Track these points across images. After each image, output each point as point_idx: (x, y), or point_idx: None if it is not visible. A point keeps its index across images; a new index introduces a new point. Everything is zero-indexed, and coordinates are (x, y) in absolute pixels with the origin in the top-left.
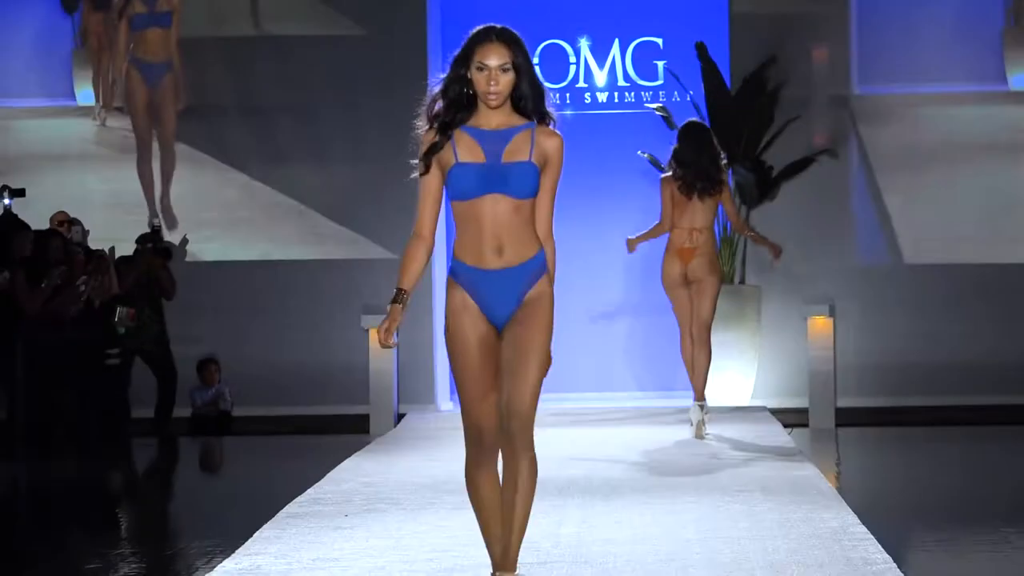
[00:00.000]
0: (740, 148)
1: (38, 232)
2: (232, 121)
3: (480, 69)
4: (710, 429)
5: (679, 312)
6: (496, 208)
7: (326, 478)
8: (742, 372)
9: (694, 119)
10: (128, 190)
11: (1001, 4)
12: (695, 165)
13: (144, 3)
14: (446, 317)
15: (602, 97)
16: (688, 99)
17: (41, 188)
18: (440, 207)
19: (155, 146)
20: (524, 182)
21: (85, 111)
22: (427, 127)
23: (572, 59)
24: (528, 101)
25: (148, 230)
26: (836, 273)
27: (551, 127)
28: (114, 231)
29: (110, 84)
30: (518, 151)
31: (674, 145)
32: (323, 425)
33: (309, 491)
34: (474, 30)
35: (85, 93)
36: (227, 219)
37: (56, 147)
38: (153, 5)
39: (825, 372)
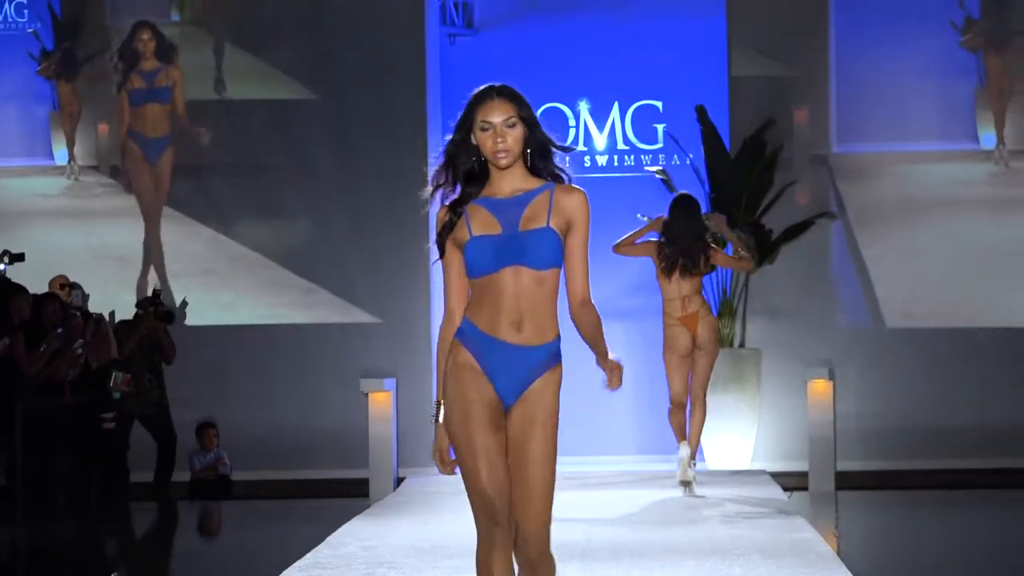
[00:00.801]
0: (740, 211)
1: (35, 296)
2: (223, 183)
3: (484, 129)
4: (708, 491)
5: (676, 381)
6: (517, 281)
7: (325, 542)
8: (742, 435)
9: (684, 192)
10: (105, 244)
11: (973, 66)
12: (680, 242)
13: (143, 78)
14: (446, 379)
15: (602, 160)
16: (688, 162)
17: (16, 245)
18: (465, 278)
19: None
20: (543, 251)
21: (63, 171)
22: (440, 205)
23: (572, 122)
24: (538, 157)
25: (149, 294)
26: (836, 336)
27: (569, 183)
28: (92, 285)
29: (113, 155)
30: (536, 217)
31: (665, 217)
32: (322, 489)
33: (308, 555)
34: (473, 92)
35: (62, 153)
36: (222, 282)
37: (34, 205)
38: (152, 80)
39: (825, 435)
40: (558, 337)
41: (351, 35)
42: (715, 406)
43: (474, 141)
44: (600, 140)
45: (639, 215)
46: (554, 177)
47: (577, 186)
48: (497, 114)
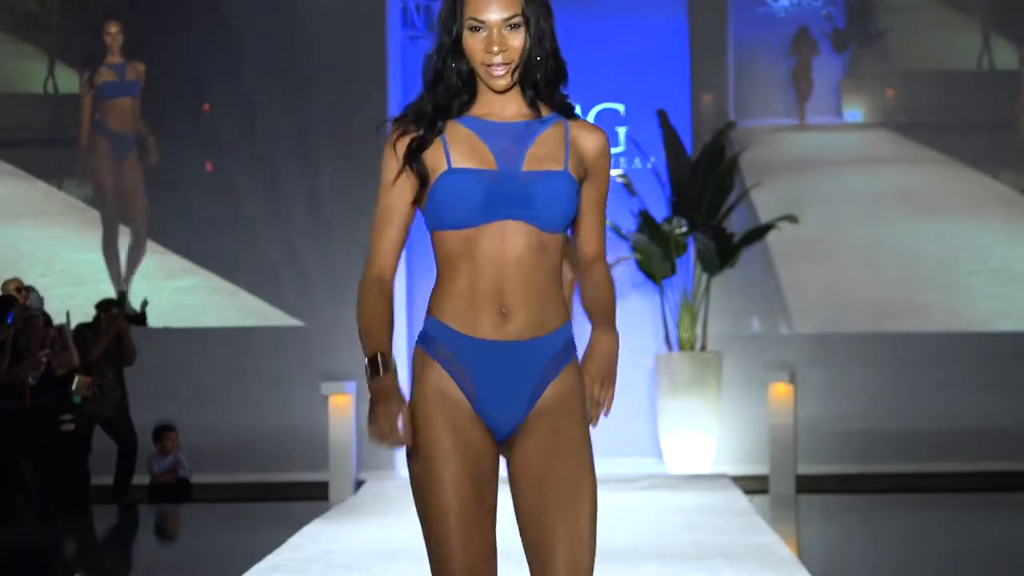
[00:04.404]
0: (701, 215)
1: None
2: (179, 186)
3: (475, 29)
4: (669, 495)
5: None
6: (507, 244)
7: (285, 545)
8: (703, 439)
9: None
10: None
11: (838, 60)
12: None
13: (113, 71)
14: (412, 412)
15: None
16: (649, 166)
17: None
18: (405, 238)
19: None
20: (556, 204)
21: None
22: (402, 120)
23: None
24: (540, 76)
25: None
26: (797, 339)
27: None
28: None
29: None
30: (548, 156)
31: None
32: (282, 492)
33: (268, 558)
34: None
35: None
36: (180, 284)
37: None
38: (123, 74)
39: (786, 439)
40: (569, 324)
41: (312, 38)
42: (676, 409)
43: (461, 42)
44: None
45: None
46: (563, 109)
47: (596, 125)
48: (495, 8)
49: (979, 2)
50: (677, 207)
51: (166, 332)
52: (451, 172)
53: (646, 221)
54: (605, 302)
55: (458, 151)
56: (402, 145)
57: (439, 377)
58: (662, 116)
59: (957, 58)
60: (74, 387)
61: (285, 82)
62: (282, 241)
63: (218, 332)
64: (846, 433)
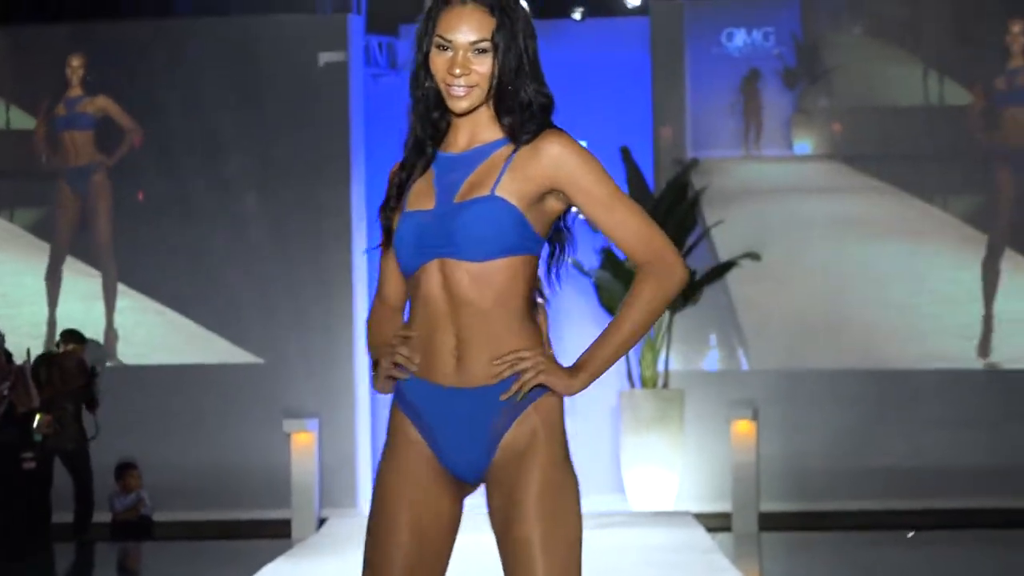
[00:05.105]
0: None
1: None
2: (137, 219)
3: (442, 48)
4: (631, 533)
5: None
6: (445, 283)
7: None
8: (666, 476)
9: None
10: None
11: (788, 96)
12: None
13: (65, 105)
14: (382, 459)
15: None
16: None
17: None
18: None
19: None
20: (478, 231)
21: None
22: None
23: None
24: (514, 107)
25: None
26: (759, 376)
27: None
28: None
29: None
30: (479, 182)
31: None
32: (244, 530)
33: None
34: None
35: None
36: (141, 321)
37: None
38: (73, 107)
39: (748, 476)
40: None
41: (276, 75)
42: (639, 446)
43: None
44: None
45: None
46: (530, 135)
47: (555, 130)
48: (464, 29)
49: (922, 41)
50: None
51: (127, 369)
52: (400, 218)
53: (608, 258)
54: (610, 328)
55: (413, 194)
56: (391, 186)
57: (402, 423)
58: (625, 153)
59: (900, 94)
60: (35, 425)
61: (249, 119)
62: (242, 277)
63: (179, 369)
64: (809, 470)
